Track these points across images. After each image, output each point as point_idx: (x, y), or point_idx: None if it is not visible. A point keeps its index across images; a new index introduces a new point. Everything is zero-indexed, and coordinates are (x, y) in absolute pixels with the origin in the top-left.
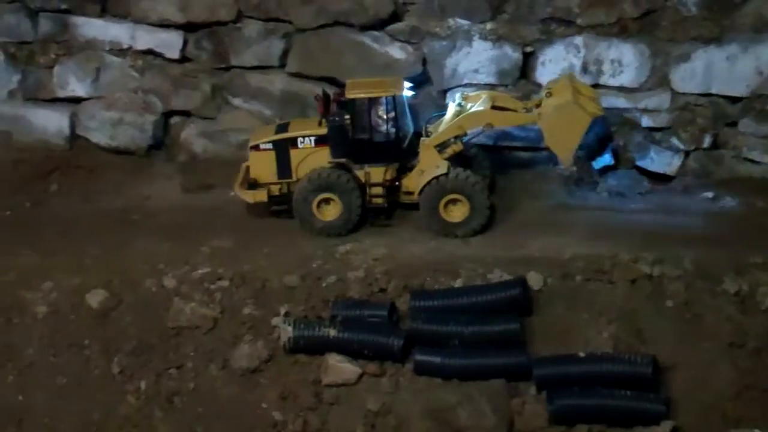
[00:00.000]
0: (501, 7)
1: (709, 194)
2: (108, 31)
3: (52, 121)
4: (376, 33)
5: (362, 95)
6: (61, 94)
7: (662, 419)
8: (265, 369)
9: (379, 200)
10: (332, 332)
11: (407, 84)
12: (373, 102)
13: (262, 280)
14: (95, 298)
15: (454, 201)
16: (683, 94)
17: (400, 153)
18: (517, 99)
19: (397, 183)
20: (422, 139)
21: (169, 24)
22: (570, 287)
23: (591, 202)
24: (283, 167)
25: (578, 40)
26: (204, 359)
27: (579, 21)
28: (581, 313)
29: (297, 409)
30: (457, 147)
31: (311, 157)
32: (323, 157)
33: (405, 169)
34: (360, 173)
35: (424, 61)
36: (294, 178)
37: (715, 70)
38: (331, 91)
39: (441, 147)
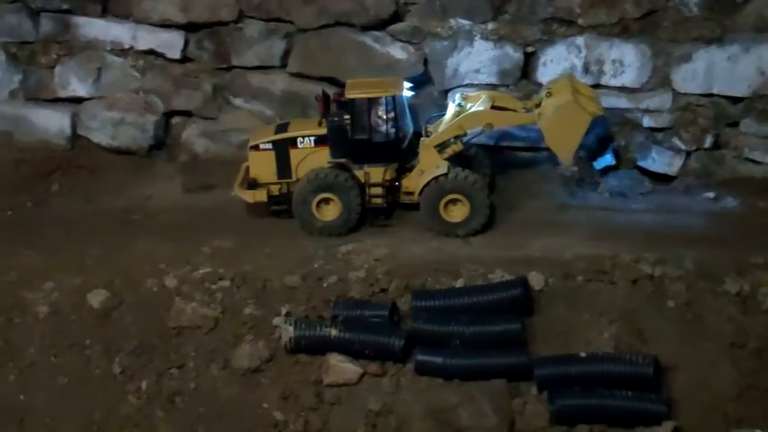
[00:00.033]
0: (502, 7)
1: (711, 194)
2: (109, 31)
3: (53, 121)
4: (377, 33)
5: (362, 95)
6: (62, 94)
7: (663, 419)
8: (266, 369)
9: (379, 200)
10: (333, 332)
11: (407, 84)
12: (372, 102)
13: (263, 280)
14: (96, 298)
15: (454, 201)
16: (685, 94)
17: (400, 153)
18: (517, 99)
19: (396, 183)
20: (422, 139)
21: (171, 24)
22: (571, 287)
23: (592, 202)
24: (283, 167)
25: (580, 40)
26: (205, 359)
27: (580, 21)
28: (582, 313)
29: (298, 409)
30: (457, 147)
31: (311, 157)
32: (323, 157)
33: (405, 169)
34: (359, 173)
35: (426, 62)
36: (294, 178)
37: (716, 70)
38: (332, 91)
39: (441, 147)
